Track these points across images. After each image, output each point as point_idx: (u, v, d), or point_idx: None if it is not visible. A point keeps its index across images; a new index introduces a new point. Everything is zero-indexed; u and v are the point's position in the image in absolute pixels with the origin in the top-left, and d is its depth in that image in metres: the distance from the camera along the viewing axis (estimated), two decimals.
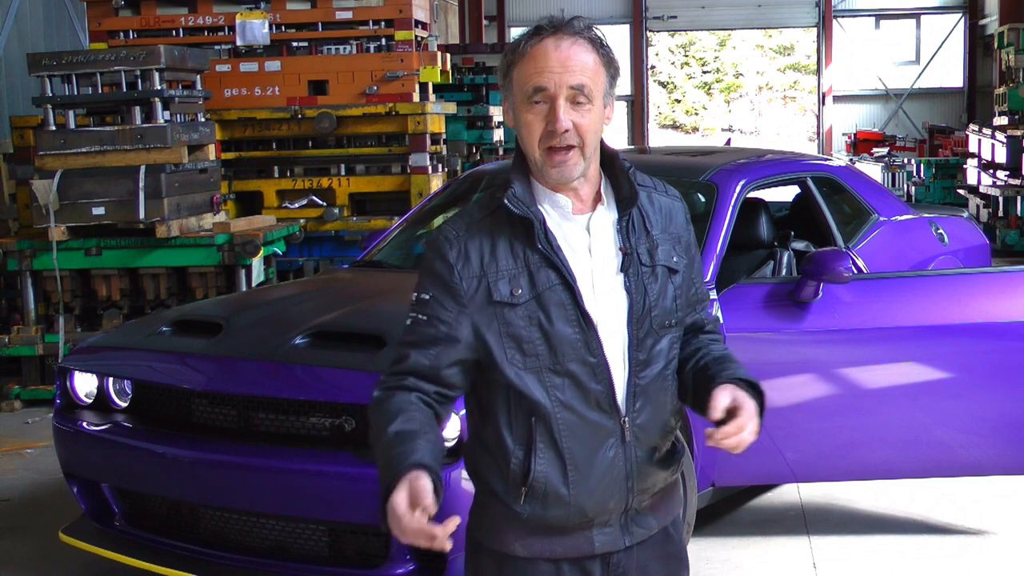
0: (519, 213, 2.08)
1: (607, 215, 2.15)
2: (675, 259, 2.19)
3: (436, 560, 3.62)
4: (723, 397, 2.09)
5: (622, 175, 2.16)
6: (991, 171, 14.24)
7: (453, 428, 3.57)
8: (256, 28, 9.04)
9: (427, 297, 2.10)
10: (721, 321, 2.46)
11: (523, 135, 2.09)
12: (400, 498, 1.93)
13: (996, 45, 16.52)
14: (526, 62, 2.06)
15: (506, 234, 2.09)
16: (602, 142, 2.16)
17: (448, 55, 10.04)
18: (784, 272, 5.09)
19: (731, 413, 2.09)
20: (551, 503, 2.10)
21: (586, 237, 2.12)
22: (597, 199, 2.15)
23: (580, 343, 2.07)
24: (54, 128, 7.30)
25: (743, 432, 2.08)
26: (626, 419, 2.12)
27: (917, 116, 25.09)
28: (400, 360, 2.13)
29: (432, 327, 2.09)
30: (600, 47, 2.09)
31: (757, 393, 2.17)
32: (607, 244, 2.13)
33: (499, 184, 2.14)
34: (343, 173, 9.05)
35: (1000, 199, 13.69)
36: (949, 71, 25.41)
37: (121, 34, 9.25)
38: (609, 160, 2.17)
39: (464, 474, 3.47)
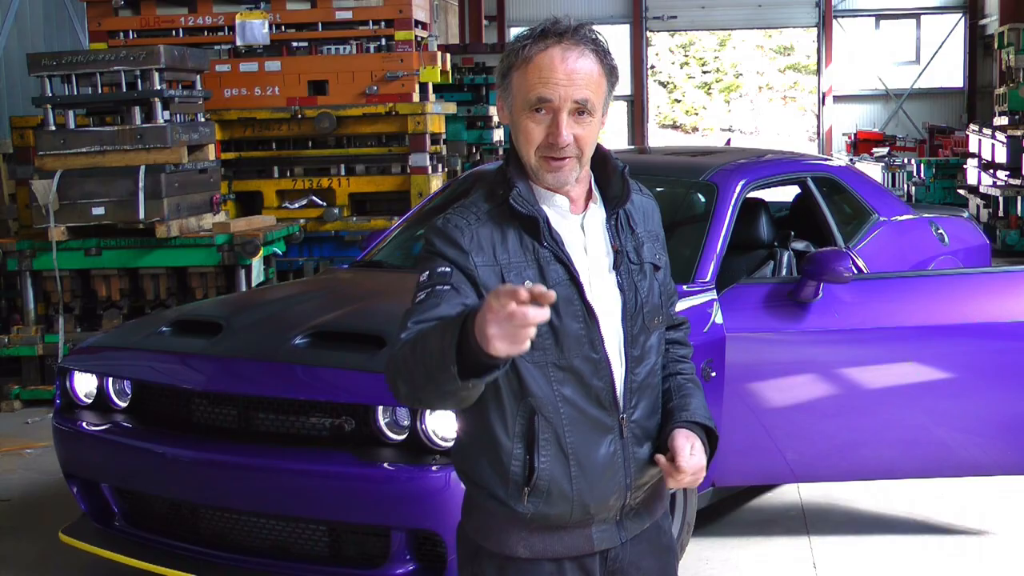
0: (525, 212, 2.09)
1: (598, 214, 2.17)
2: (657, 256, 2.23)
3: (436, 560, 3.63)
4: (685, 444, 2.14)
5: (615, 176, 2.18)
6: (991, 171, 14.24)
7: (453, 428, 3.57)
8: (256, 28, 9.04)
9: (447, 270, 2.03)
10: (687, 322, 2.47)
11: (520, 140, 2.09)
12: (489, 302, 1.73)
13: (996, 45, 16.51)
14: (530, 69, 2.05)
15: (515, 227, 2.09)
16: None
17: (448, 55, 10.04)
18: (784, 272, 5.09)
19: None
20: (555, 500, 2.10)
21: (581, 236, 2.14)
22: (589, 198, 2.17)
23: (584, 339, 2.08)
24: (54, 128, 7.30)
25: (695, 478, 2.15)
26: (623, 415, 2.14)
27: (917, 116, 25.09)
28: (424, 310, 1.99)
29: (445, 295, 2.00)
30: (604, 57, 2.09)
31: (711, 437, 2.23)
32: (599, 243, 2.15)
33: (498, 181, 2.14)
34: (343, 173, 9.05)
35: (1000, 199, 13.69)
36: (949, 71, 25.41)
37: (121, 34, 9.25)
38: (601, 160, 2.19)
39: None
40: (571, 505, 2.11)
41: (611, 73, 2.11)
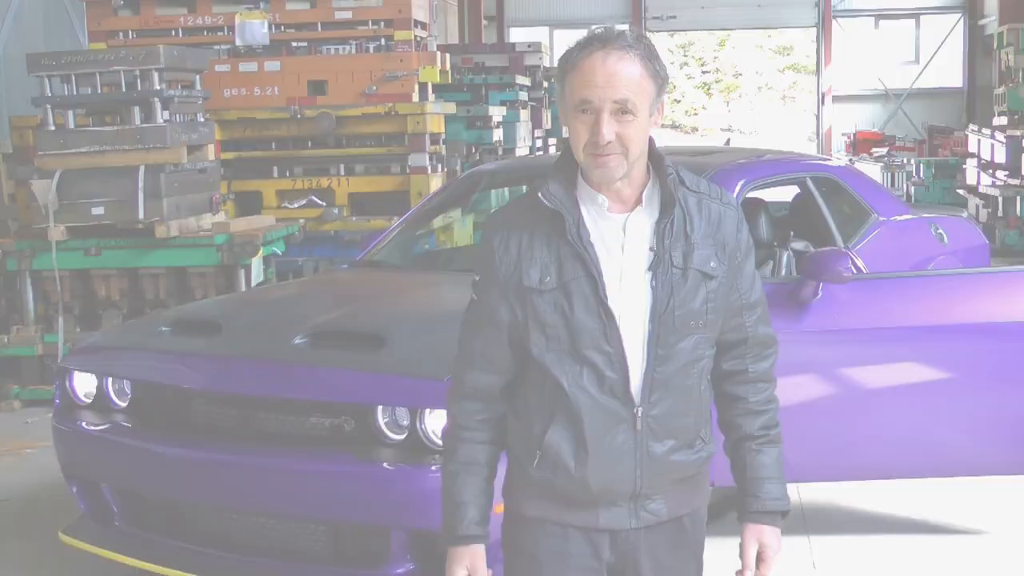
0: (551, 207, 2.23)
1: (646, 215, 2.26)
2: (713, 264, 2.27)
3: (436, 560, 3.62)
4: (752, 547, 2.40)
5: (665, 181, 2.27)
6: (990, 171, 14.24)
7: None
8: (255, 28, 9.04)
9: (477, 279, 2.32)
10: (775, 346, 2.47)
11: (572, 138, 2.24)
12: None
13: (995, 45, 16.52)
14: (576, 74, 2.19)
15: (545, 226, 2.24)
16: (653, 145, 2.28)
17: (447, 55, 10.04)
18: (784, 272, 5.09)
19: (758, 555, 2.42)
20: (560, 473, 2.26)
21: (620, 235, 2.24)
22: (639, 200, 2.26)
23: (598, 332, 2.20)
24: (53, 128, 7.30)
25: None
26: (640, 408, 2.22)
27: (916, 116, 25.07)
28: (465, 343, 2.35)
29: (482, 308, 2.31)
30: (649, 59, 2.20)
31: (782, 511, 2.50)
32: (641, 243, 2.25)
33: (543, 178, 2.30)
34: (342, 173, 9.05)
35: (999, 199, 13.69)
36: (949, 71, 25.39)
37: (120, 34, 9.25)
38: (658, 163, 2.29)
39: None
40: (573, 482, 2.25)
41: (656, 75, 2.21)
